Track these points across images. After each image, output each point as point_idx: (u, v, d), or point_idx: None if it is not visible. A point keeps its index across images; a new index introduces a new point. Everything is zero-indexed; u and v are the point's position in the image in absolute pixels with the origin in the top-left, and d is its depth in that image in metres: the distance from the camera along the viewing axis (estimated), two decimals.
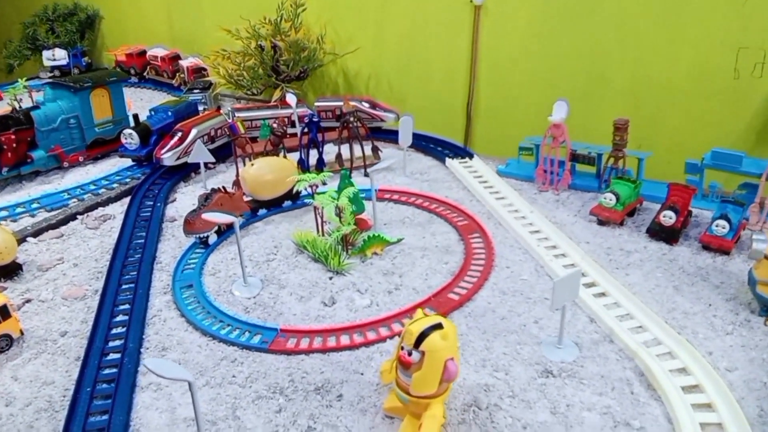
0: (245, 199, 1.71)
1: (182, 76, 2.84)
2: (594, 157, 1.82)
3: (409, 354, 0.91)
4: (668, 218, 1.50)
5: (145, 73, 3.09)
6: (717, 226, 1.44)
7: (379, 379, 1.07)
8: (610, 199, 1.58)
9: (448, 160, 2.05)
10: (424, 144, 2.19)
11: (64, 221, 1.77)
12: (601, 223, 1.62)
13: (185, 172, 2.04)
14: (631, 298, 1.29)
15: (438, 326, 0.91)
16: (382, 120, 2.28)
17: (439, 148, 2.17)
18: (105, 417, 1.06)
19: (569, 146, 1.79)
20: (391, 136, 2.27)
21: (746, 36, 1.81)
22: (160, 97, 2.97)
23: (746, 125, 1.90)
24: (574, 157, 1.83)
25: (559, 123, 1.77)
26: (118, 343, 1.25)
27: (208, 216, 1.30)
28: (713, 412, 1.00)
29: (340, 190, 1.51)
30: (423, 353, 0.90)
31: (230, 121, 1.85)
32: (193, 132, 2.02)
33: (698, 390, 1.05)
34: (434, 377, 0.91)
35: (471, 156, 2.07)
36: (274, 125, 1.92)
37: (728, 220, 1.44)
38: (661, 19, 1.93)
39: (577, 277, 1.09)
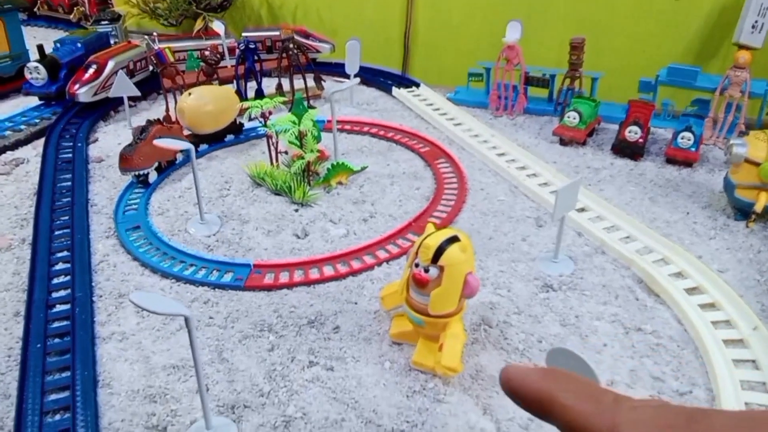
0: (184, 133, 1.54)
1: (82, 9, 2.53)
2: (548, 80, 1.78)
3: (426, 270, 0.83)
4: (633, 133, 1.48)
5: (35, 9, 2.73)
6: (682, 138, 1.45)
7: (379, 305, 0.98)
8: (574, 118, 1.55)
9: (395, 89, 1.94)
10: (365, 74, 2.06)
11: None
12: (563, 143, 1.60)
13: (104, 109, 1.82)
14: (613, 210, 1.27)
15: (455, 239, 0.83)
16: (317, 51, 2.13)
17: (382, 78, 2.06)
18: (66, 374, 0.91)
19: (524, 69, 1.74)
20: (328, 68, 2.13)
21: None
22: (57, 35, 2.64)
23: (686, 46, 1.93)
24: (528, 80, 1.78)
25: (513, 44, 1.71)
26: (63, 293, 1.08)
27: (160, 142, 1.13)
28: (720, 311, 0.99)
29: (297, 115, 1.37)
30: (442, 268, 0.82)
31: (156, 47, 1.65)
32: (111, 64, 1.79)
33: (699, 291, 1.04)
34: (455, 293, 0.84)
35: (417, 85, 1.98)
36: (206, 53, 1.73)
37: (692, 132, 1.44)
38: None
39: (577, 185, 1.05)
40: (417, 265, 0.84)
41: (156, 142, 1.14)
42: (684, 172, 1.45)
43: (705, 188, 1.38)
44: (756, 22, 1.63)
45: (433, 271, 0.82)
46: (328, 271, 1.11)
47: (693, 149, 1.45)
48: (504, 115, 1.79)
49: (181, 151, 1.48)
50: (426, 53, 2.26)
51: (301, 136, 1.34)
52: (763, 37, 1.63)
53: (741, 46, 1.64)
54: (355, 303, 1.04)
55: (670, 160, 1.48)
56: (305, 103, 1.41)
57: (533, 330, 0.97)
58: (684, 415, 0.25)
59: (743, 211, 1.25)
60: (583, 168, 1.49)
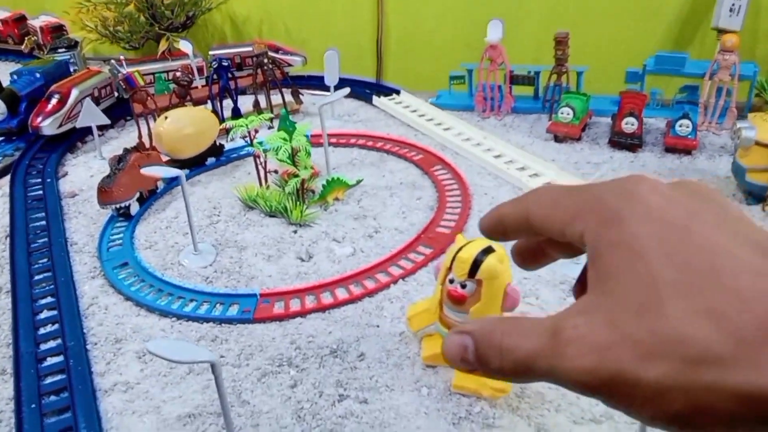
0: (163, 159, 1.44)
1: (34, 39, 2.39)
2: (533, 77, 1.74)
3: (463, 286, 0.76)
4: (630, 125, 1.45)
5: None
6: (680, 126, 1.42)
7: (406, 327, 0.91)
8: (568, 114, 1.51)
9: (375, 98, 1.88)
10: (341, 85, 1.99)
11: None
12: (558, 140, 1.56)
13: (69, 141, 1.71)
14: None
15: (490, 249, 0.76)
16: (289, 65, 2.05)
17: (359, 88, 1.99)
18: None
19: (508, 68, 1.70)
20: (302, 82, 2.06)
21: None
22: (8, 68, 2.50)
23: (664, 33, 1.92)
24: (513, 79, 1.74)
25: (495, 44, 1.67)
26: (53, 344, 0.98)
27: (148, 171, 1.04)
28: None
29: (285, 130, 1.30)
30: (479, 282, 0.76)
31: (125, 72, 1.55)
32: (75, 92, 1.68)
33: None
34: (495, 308, 0.77)
35: (398, 92, 1.92)
36: (178, 74, 1.64)
37: (690, 119, 1.42)
38: None
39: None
40: (452, 281, 0.77)
41: (144, 171, 1.05)
42: (685, 160, 1.43)
43: (710, 174, 1.35)
44: (733, 5, 1.63)
45: (471, 286, 0.76)
46: (341, 294, 1.04)
47: (692, 137, 1.42)
48: (492, 116, 1.74)
49: (164, 178, 1.39)
50: (401, 60, 2.21)
51: (293, 153, 1.27)
52: (742, 19, 1.63)
53: (720, 31, 1.64)
54: (377, 326, 0.97)
55: (670, 149, 1.45)
56: (291, 119, 1.34)
57: None
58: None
59: (755, 195, 1.22)
60: (583, 164, 1.45)
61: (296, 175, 1.27)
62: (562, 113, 1.52)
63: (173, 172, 1.06)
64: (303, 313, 1.00)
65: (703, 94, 1.56)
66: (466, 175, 1.40)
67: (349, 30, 2.21)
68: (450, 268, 0.77)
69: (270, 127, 1.68)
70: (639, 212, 0.29)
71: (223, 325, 1.00)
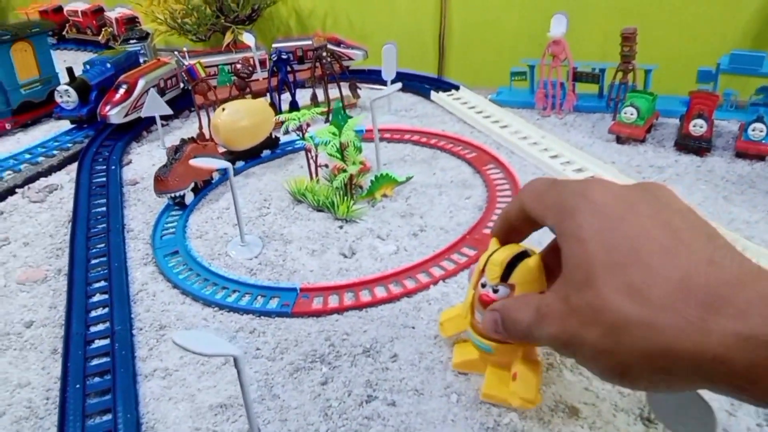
0: (219, 150, 1.47)
1: (110, 30, 2.50)
2: (598, 75, 1.68)
3: (495, 291, 0.72)
4: (699, 127, 1.37)
5: (64, 32, 2.72)
6: (753, 130, 1.33)
7: (438, 331, 0.88)
8: (632, 114, 1.44)
9: (433, 94, 1.86)
10: (400, 80, 1.97)
11: (2, 196, 1.48)
12: (620, 141, 1.49)
13: (136, 130, 1.77)
14: None
15: (525, 254, 0.72)
16: (350, 59, 2.06)
17: (418, 83, 1.98)
18: (108, 417, 0.84)
19: (572, 64, 1.64)
20: (361, 76, 2.06)
21: None
22: (86, 57, 2.62)
23: (743, 29, 1.81)
24: (576, 76, 1.68)
25: (559, 39, 1.61)
26: (102, 327, 1.02)
27: (196, 162, 1.07)
28: None
29: (336, 124, 1.30)
30: (512, 287, 0.71)
31: (187, 64, 1.59)
32: (141, 83, 1.75)
33: None
34: None
35: (457, 87, 1.89)
36: (238, 66, 1.67)
37: (764, 123, 1.33)
38: None
39: None
40: (484, 285, 0.74)
41: (192, 162, 1.08)
42: (757, 167, 1.34)
43: None
44: None
45: (503, 291, 0.72)
46: (380, 292, 1.03)
47: (766, 141, 1.33)
48: (552, 115, 1.69)
49: (218, 170, 1.42)
50: (462, 54, 2.17)
51: (342, 148, 1.26)
52: None
53: None
54: (413, 327, 0.95)
55: (740, 154, 1.37)
56: (345, 112, 1.34)
57: None
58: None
59: None
60: (645, 167, 1.38)
61: (344, 170, 1.27)
62: (625, 113, 1.45)
63: (221, 163, 1.07)
64: (340, 310, 1.00)
65: None
66: (519, 175, 1.36)
67: (412, 24, 2.19)
68: (483, 272, 0.74)
69: (326, 121, 1.69)
70: (586, 208, 0.36)
71: (262, 317, 1.01)
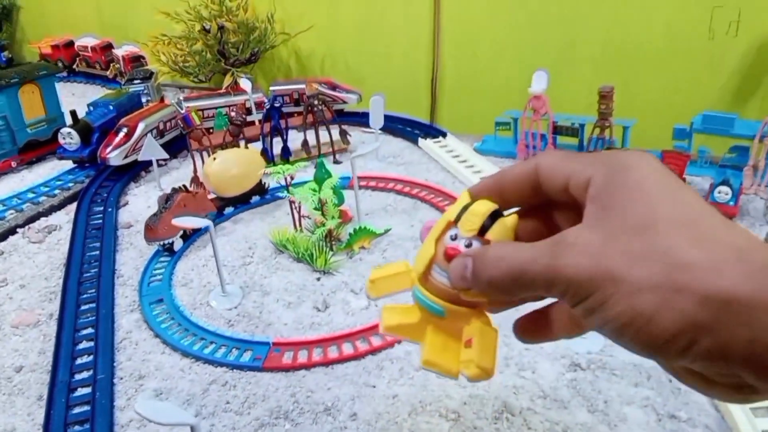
0: (209, 197, 1.55)
1: (117, 66, 2.60)
2: (577, 129, 1.74)
3: (468, 245, 0.53)
4: None
5: (74, 66, 2.83)
6: (719, 192, 1.38)
7: (367, 292, 0.60)
8: None
9: (421, 141, 1.93)
10: (391, 125, 2.05)
11: (3, 236, 1.56)
12: None
13: (134, 171, 1.86)
14: None
15: (499, 212, 0.58)
16: (344, 102, 2.14)
17: (409, 128, 2.05)
18: None
19: (552, 118, 1.71)
20: (355, 119, 2.13)
21: None
22: (94, 91, 2.73)
23: (721, 86, 1.87)
24: (557, 129, 1.74)
25: (539, 94, 1.68)
26: (86, 375, 1.08)
27: (178, 221, 1.14)
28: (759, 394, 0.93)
29: (318, 180, 1.37)
30: (487, 244, 0.52)
31: (183, 111, 1.67)
32: (141, 126, 1.83)
33: None
34: None
35: (444, 135, 1.96)
36: (232, 114, 1.75)
37: (730, 186, 1.38)
38: None
39: None
40: (454, 238, 0.54)
41: (174, 221, 1.15)
42: None
43: None
44: None
45: (476, 246, 0.53)
46: (347, 349, 1.09)
47: (731, 203, 1.38)
48: None
49: (207, 215, 1.49)
50: (453, 101, 2.24)
51: (321, 204, 1.33)
52: None
53: None
54: (374, 386, 1.01)
55: None
56: (327, 166, 1.41)
57: (558, 417, 0.93)
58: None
59: None
60: None
61: (323, 225, 1.33)
62: None
63: (202, 222, 1.14)
64: (308, 366, 1.06)
65: (752, 156, 1.51)
66: None
67: (407, 69, 2.27)
68: (451, 224, 0.56)
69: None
70: (645, 166, 0.36)
71: (234, 370, 1.07)
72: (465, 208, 0.54)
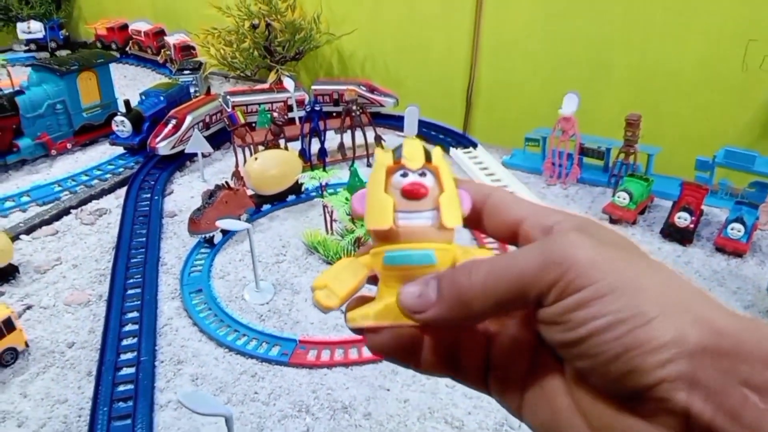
0: (249, 193, 1.65)
1: (168, 53, 2.72)
2: (603, 152, 1.80)
3: (422, 175, 0.45)
4: (683, 219, 1.49)
5: (127, 49, 2.96)
6: (732, 229, 1.44)
7: (320, 304, 0.33)
8: (624, 198, 1.57)
9: (452, 150, 2.01)
10: (425, 131, 2.14)
11: (58, 216, 1.69)
12: (612, 221, 1.61)
13: (180, 161, 1.97)
14: None
15: None
16: (381, 105, 2.22)
17: (441, 136, 2.13)
18: None
19: (579, 140, 1.77)
20: (390, 122, 2.22)
21: (755, 28, 1.79)
22: (145, 74, 2.86)
23: (751, 118, 1.90)
24: (583, 151, 1.81)
25: (569, 117, 1.74)
26: (130, 356, 1.20)
27: (221, 223, 1.25)
28: None
29: (350, 189, 1.46)
30: (437, 172, 0.42)
31: (229, 110, 1.78)
32: (189, 119, 1.94)
33: None
34: (457, 204, 0.44)
35: (475, 145, 2.03)
36: (275, 114, 1.85)
37: (743, 223, 1.43)
38: (669, 8, 1.90)
39: None
40: (405, 175, 0.41)
41: (218, 223, 1.26)
42: (733, 263, 1.45)
43: (751, 284, 1.37)
44: None
45: (430, 177, 0.36)
46: (366, 352, 1.19)
47: (743, 240, 1.44)
48: (557, 184, 1.82)
49: (245, 211, 1.60)
50: (487, 110, 2.30)
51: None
52: None
53: None
54: (388, 390, 1.11)
55: (720, 249, 1.47)
56: (360, 174, 1.50)
57: None
58: None
59: None
60: None
61: (353, 231, 1.43)
62: (618, 197, 1.58)
63: (242, 225, 1.25)
64: (330, 365, 1.16)
65: None
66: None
67: (443, 76, 2.33)
68: (394, 167, 0.42)
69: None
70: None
71: (263, 363, 1.18)
72: (394, 152, 0.43)
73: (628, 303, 0.26)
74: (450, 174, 0.41)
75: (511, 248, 0.32)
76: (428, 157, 0.43)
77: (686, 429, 0.25)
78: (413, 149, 0.43)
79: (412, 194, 0.41)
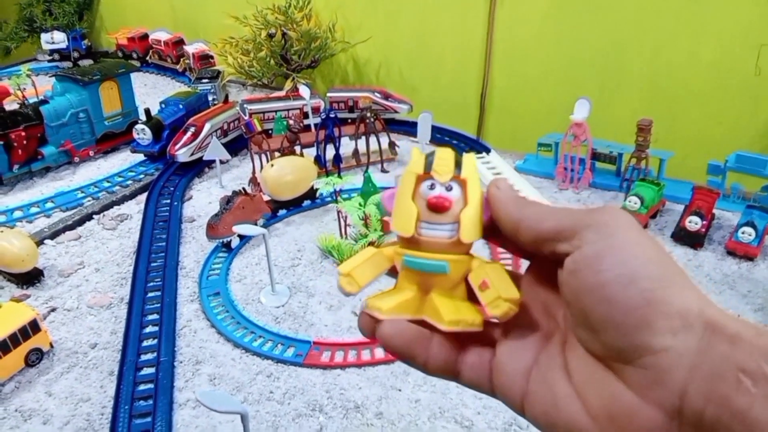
0: (265, 199, 1.69)
1: (187, 62, 2.78)
2: (615, 157, 1.81)
3: (449, 189, 0.47)
4: (694, 224, 1.50)
5: (147, 57, 3.03)
6: (743, 233, 1.45)
7: (343, 289, 0.42)
8: (635, 203, 1.58)
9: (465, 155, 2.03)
10: (439, 137, 2.16)
11: (81, 222, 1.75)
12: None
13: (199, 167, 2.02)
14: None
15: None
16: (395, 111, 2.25)
17: (455, 141, 2.15)
18: None
19: (591, 145, 1.78)
20: (404, 128, 2.25)
21: None
22: (165, 82, 2.92)
23: (764, 123, 1.90)
24: (595, 156, 1.82)
25: (581, 122, 1.76)
26: (150, 356, 1.24)
27: (238, 229, 1.28)
28: None
29: (364, 195, 1.50)
30: (464, 184, 0.46)
31: (247, 118, 1.82)
32: (207, 126, 1.99)
33: None
34: (479, 217, 0.47)
35: (488, 151, 2.06)
36: (291, 122, 1.89)
37: (754, 227, 1.44)
38: (681, 13, 1.91)
39: None
40: (432, 187, 0.46)
41: (235, 228, 1.30)
42: (744, 267, 1.45)
43: (762, 288, 1.37)
44: None
45: (456, 189, 0.47)
46: (378, 353, 1.22)
47: (754, 244, 1.44)
48: (569, 188, 1.84)
49: (262, 216, 1.64)
50: (501, 116, 2.33)
51: (365, 217, 1.46)
52: None
53: None
54: (399, 390, 1.14)
55: (731, 252, 1.48)
56: (373, 181, 1.53)
57: None
58: None
59: None
60: None
61: (366, 236, 1.46)
62: (629, 201, 1.59)
63: (258, 231, 1.29)
64: (343, 366, 1.19)
65: None
66: None
67: (457, 83, 2.36)
68: (423, 177, 0.47)
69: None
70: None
71: (278, 363, 1.21)
72: (426, 160, 0.48)
73: (657, 266, 0.29)
74: (478, 186, 0.44)
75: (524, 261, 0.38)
76: (459, 164, 0.46)
77: (677, 409, 0.26)
78: (444, 162, 0.47)
79: (435, 207, 0.45)
